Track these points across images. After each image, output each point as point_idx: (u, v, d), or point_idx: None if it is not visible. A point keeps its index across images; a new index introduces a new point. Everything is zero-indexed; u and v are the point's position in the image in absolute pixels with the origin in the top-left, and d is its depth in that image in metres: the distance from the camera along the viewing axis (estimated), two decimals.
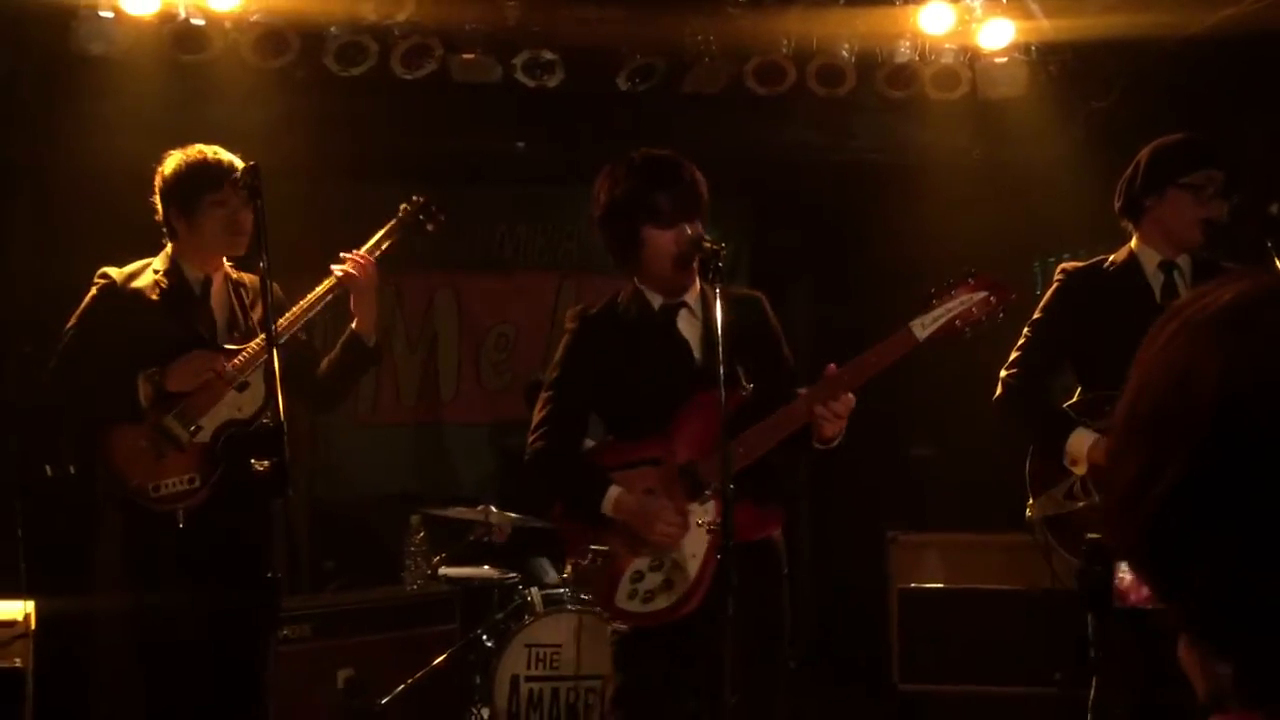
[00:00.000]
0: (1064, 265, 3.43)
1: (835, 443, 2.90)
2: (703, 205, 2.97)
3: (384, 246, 3.51)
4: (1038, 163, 5.43)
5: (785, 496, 3.06)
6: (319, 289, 3.43)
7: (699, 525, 2.89)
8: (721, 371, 2.67)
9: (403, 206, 3.58)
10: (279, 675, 3.58)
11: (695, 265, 2.94)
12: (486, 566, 5.07)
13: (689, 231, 2.91)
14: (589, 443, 3.19)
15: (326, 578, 4.99)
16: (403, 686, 4.42)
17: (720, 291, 2.87)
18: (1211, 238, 3.20)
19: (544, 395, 3.06)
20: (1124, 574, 2.91)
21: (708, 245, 2.86)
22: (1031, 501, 3.32)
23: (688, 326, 3.02)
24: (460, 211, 6.22)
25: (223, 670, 3.28)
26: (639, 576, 2.89)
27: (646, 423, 2.97)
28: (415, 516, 4.97)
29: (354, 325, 3.50)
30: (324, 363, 3.57)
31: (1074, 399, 3.35)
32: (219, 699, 3.27)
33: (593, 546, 2.92)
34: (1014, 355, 3.39)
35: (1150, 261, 3.29)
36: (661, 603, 2.86)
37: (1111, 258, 3.36)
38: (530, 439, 3.02)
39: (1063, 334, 3.35)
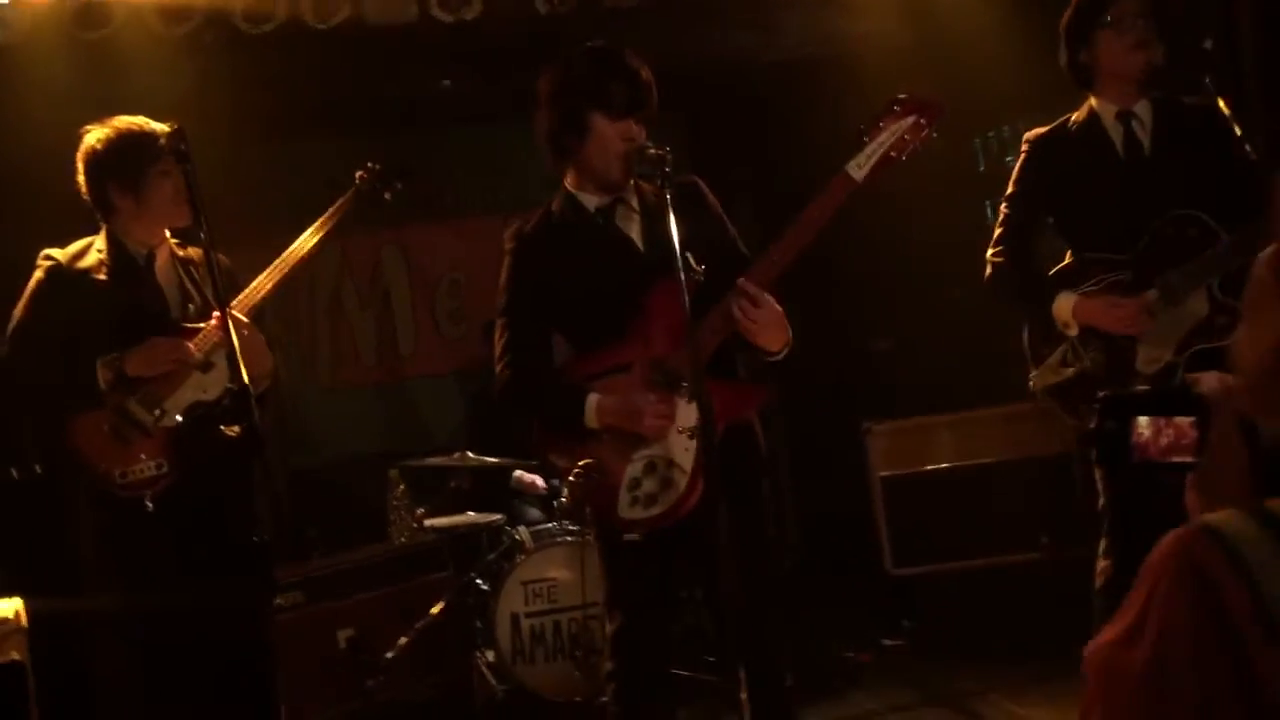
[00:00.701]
0: (1028, 134, 3.46)
1: (781, 353, 2.82)
2: (651, 108, 2.90)
3: (338, 218, 3.46)
4: (968, 38, 5.40)
5: (763, 372, 2.98)
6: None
7: (685, 416, 2.80)
8: (682, 278, 2.59)
9: (359, 175, 3.51)
10: (280, 645, 3.58)
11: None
12: (470, 513, 5.07)
13: (635, 128, 2.85)
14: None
15: (312, 546, 4.96)
16: (405, 639, 4.44)
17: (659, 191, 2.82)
18: (1155, 74, 3.21)
19: (499, 323, 2.98)
20: (1142, 428, 2.93)
21: (653, 151, 2.81)
22: (1033, 373, 3.39)
23: (626, 222, 2.95)
24: (396, 162, 6.14)
25: (224, 647, 3.25)
26: (636, 484, 2.85)
27: (605, 329, 2.91)
28: (394, 471, 4.95)
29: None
30: None
31: (1062, 263, 3.41)
32: (224, 677, 3.25)
33: (581, 464, 2.88)
34: (996, 233, 3.44)
35: (1108, 114, 3.30)
36: (664, 503, 2.81)
37: (1074, 117, 3.38)
38: (497, 369, 2.97)
39: (1037, 202, 3.40)
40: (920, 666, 4.79)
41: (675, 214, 2.67)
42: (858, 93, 5.39)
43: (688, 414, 2.80)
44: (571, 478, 2.91)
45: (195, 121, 3.07)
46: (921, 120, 2.78)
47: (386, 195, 3.52)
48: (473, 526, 4.96)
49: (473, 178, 6.32)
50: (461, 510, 5.12)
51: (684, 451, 2.80)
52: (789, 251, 2.75)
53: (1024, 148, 3.45)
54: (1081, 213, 3.33)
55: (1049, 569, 4.91)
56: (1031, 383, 3.40)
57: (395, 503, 4.88)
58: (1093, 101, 3.33)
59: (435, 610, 4.54)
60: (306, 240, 3.44)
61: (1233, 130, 3.08)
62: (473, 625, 4.69)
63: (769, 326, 2.75)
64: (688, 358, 2.68)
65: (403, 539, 4.86)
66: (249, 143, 4.78)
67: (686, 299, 2.60)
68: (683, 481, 2.79)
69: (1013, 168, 3.48)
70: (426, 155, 6.04)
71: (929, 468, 5.29)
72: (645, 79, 2.90)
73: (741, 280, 2.73)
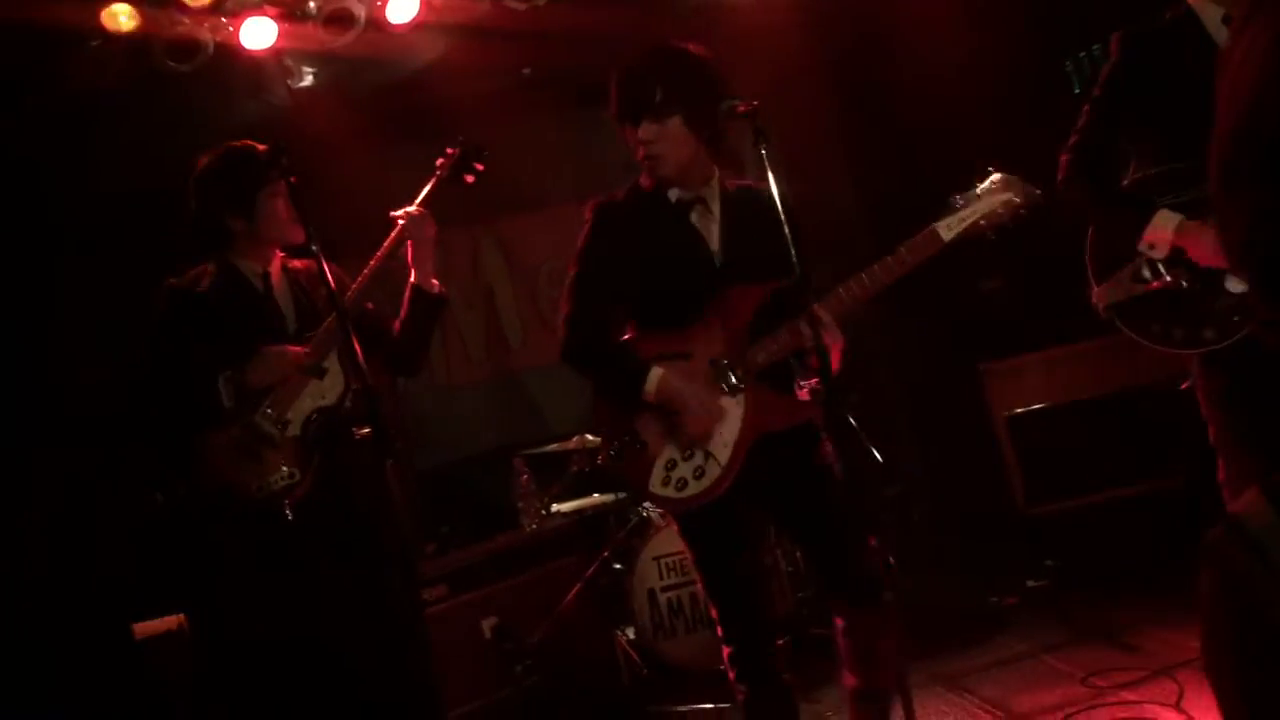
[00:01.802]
0: (1119, 33, 3.24)
1: (832, 374, 2.80)
2: (654, 102, 2.88)
3: (428, 201, 3.49)
4: None
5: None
6: (382, 249, 3.41)
7: (730, 413, 2.93)
8: (794, 252, 2.70)
9: (439, 161, 3.54)
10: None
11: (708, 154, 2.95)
12: (595, 494, 5.11)
13: (643, 131, 2.88)
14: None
15: (446, 542, 5.06)
16: (548, 623, 4.50)
17: (734, 184, 3.02)
18: None
19: (568, 288, 3.03)
20: None
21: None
22: (1096, 288, 3.18)
23: (703, 220, 3.00)
24: (471, 143, 6.14)
25: (382, 648, 3.32)
26: (672, 464, 2.95)
27: (667, 315, 2.98)
28: (516, 460, 5.01)
29: (413, 279, 3.50)
30: (396, 325, 3.56)
31: (1142, 174, 3.21)
32: (383, 677, 3.32)
33: (628, 436, 2.97)
34: (1075, 135, 3.20)
35: (1212, 15, 3.07)
36: (693, 490, 2.93)
37: (1169, 14, 3.13)
38: (562, 330, 3.02)
39: (1129, 105, 3.15)
40: (1067, 604, 4.69)
41: (745, 221, 2.88)
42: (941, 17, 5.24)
43: (734, 416, 2.94)
44: (611, 451, 3.01)
45: (293, 137, 3.14)
46: (1017, 199, 2.87)
47: (469, 178, 3.53)
48: (600, 508, 4.99)
49: (562, 163, 6.34)
50: (587, 493, 5.16)
51: (723, 447, 2.93)
52: (863, 293, 2.87)
53: (1114, 46, 3.18)
54: (1176, 119, 3.02)
55: (1181, 494, 4.77)
56: (1095, 297, 3.18)
57: (523, 491, 4.94)
58: (1193, 2, 3.14)
59: (573, 593, 4.59)
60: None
61: None
62: (611, 605, 4.73)
63: (831, 353, 2.80)
64: (748, 363, 2.90)
65: (533, 526, 4.91)
66: (340, 154, 4.86)
67: (751, 306, 2.86)
68: (715, 474, 2.92)
69: (1107, 68, 3.28)
70: (514, 146, 6.07)
71: (1052, 403, 5.18)
72: (641, 76, 2.90)
73: (817, 306, 2.80)
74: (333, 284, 2.96)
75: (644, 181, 3.02)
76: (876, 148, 6.06)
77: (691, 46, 2.94)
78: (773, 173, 2.75)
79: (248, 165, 3.34)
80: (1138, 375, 4.99)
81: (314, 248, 2.98)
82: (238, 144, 3.40)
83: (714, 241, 2.99)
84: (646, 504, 4.93)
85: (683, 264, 2.97)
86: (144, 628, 3.40)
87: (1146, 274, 3.10)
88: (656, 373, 2.92)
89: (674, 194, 2.99)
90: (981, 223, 2.87)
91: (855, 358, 3.02)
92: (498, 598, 4.61)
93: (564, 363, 3.06)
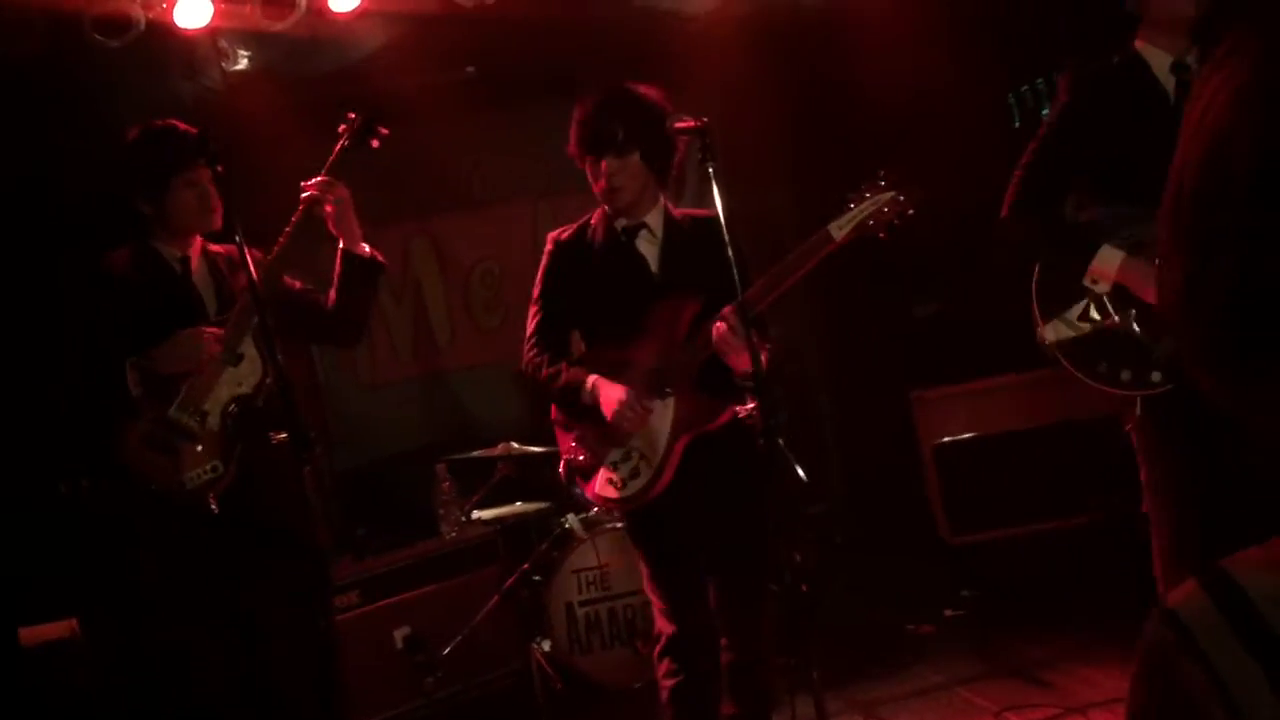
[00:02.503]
0: (1071, 71, 3.19)
1: (749, 375, 3.01)
2: (617, 140, 3.12)
3: (333, 168, 3.39)
4: None
5: (738, 389, 3.29)
6: (292, 222, 3.32)
7: (661, 417, 3.17)
8: (731, 255, 2.90)
9: (341, 128, 3.43)
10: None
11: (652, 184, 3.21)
12: (519, 503, 5.02)
13: (603, 166, 3.13)
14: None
15: (362, 546, 4.93)
16: (461, 635, 4.40)
17: (680, 213, 3.30)
18: (1204, 19, 3.04)
19: (531, 310, 3.34)
20: None
21: (693, 124, 2.96)
22: (1042, 326, 3.15)
23: (647, 246, 3.25)
24: (422, 152, 6.07)
25: (286, 652, 3.21)
26: (614, 466, 3.22)
27: (616, 334, 3.23)
28: (440, 465, 4.90)
29: (341, 245, 3.41)
30: (330, 296, 3.46)
31: (1093, 213, 3.20)
32: (289, 680, 3.21)
33: (576, 444, 3.26)
34: (1021, 170, 3.19)
35: (1160, 62, 3.10)
36: (630, 489, 3.18)
37: (1118, 57, 3.14)
38: (523, 350, 3.33)
39: (1075, 144, 3.14)
40: (984, 636, 4.70)
41: (687, 249, 3.17)
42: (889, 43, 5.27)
43: (664, 418, 3.16)
44: (567, 458, 3.30)
45: (225, 120, 3.04)
46: (901, 197, 3.02)
47: (374, 142, 3.42)
48: (521, 517, 4.91)
49: (501, 164, 6.23)
50: (509, 501, 5.07)
51: (654, 449, 3.18)
52: (768, 293, 3.06)
53: (1065, 84, 3.18)
54: (1125, 160, 3.05)
55: (1107, 530, 4.81)
56: (1042, 336, 3.15)
57: (444, 498, 4.83)
58: (1138, 44, 3.15)
59: (490, 605, 4.49)
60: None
61: None
62: (528, 617, 4.64)
63: (741, 351, 2.96)
64: (680, 368, 3.13)
65: (453, 534, 4.80)
66: (273, 140, 4.71)
67: (683, 318, 3.13)
68: (649, 474, 3.15)
69: (1056, 106, 3.28)
70: (453, 143, 5.96)
71: (979, 434, 5.20)
72: (603, 115, 3.13)
73: (726, 310, 3.02)
74: (253, 271, 2.85)
75: (594, 217, 3.31)
76: (822, 165, 6.05)
77: (645, 89, 3.17)
78: (718, 188, 2.89)
79: (163, 148, 3.22)
80: (1065, 411, 5.04)
81: (236, 236, 2.87)
82: (161, 124, 3.27)
83: (654, 263, 3.24)
84: (569, 515, 4.86)
85: (625, 285, 3.24)
86: (31, 633, 3.23)
87: (1095, 313, 3.09)
88: (590, 380, 3.20)
89: (620, 223, 3.26)
90: (870, 222, 3.01)
91: (786, 376, 3.11)
92: (412, 607, 4.49)
93: (524, 378, 3.34)
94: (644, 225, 3.25)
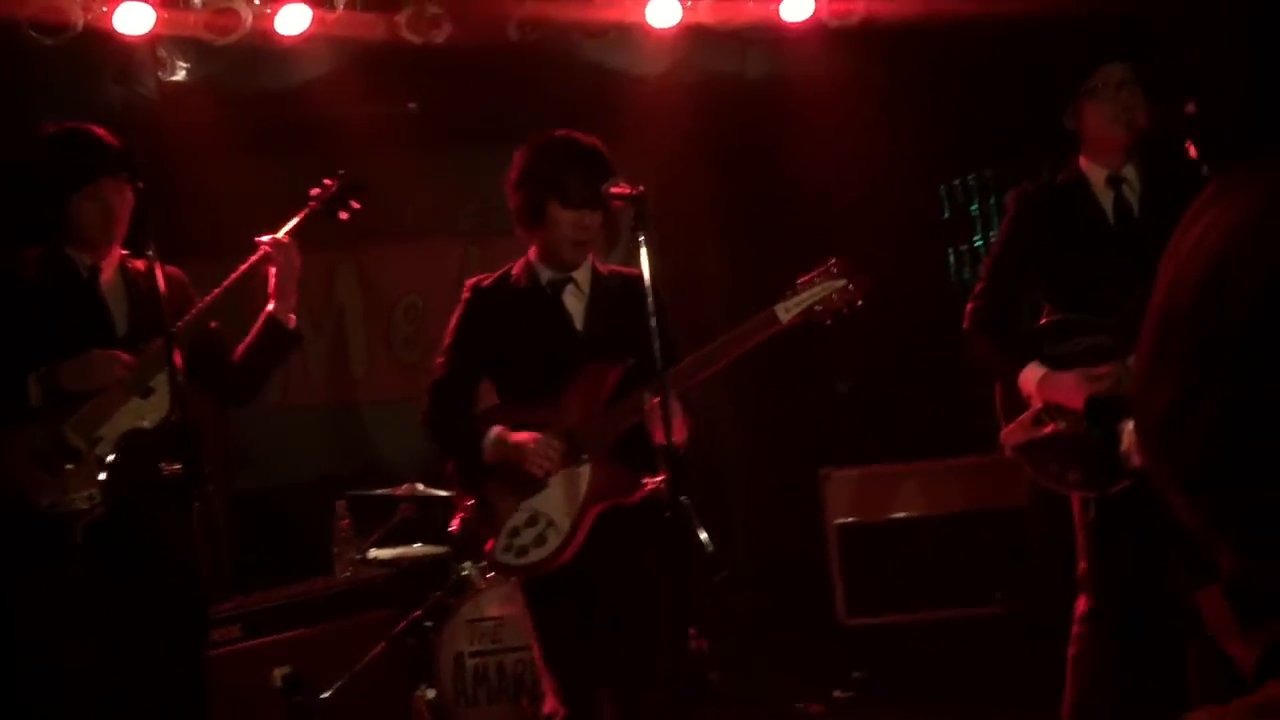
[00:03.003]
0: (1016, 191, 3.46)
1: (675, 449, 2.93)
2: (606, 200, 3.08)
3: (297, 231, 3.37)
4: (940, 84, 5.39)
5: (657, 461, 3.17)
6: (238, 271, 3.26)
7: (574, 483, 3.08)
8: (655, 326, 2.86)
9: (314, 191, 3.40)
10: (212, 682, 3.43)
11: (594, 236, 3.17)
12: (419, 544, 4.93)
13: (589, 218, 3.08)
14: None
15: (252, 575, 4.80)
16: (342, 679, 4.28)
17: (607, 269, 3.26)
18: (1143, 141, 3.20)
19: (438, 361, 3.25)
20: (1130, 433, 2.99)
21: (630, 191, 2.97)
22: (1004, 429, 3.38)
23: (573, 301, 3.19)
24: (353, 179, 5.97)
25: (156, 686, 3.10)
26: (515, 532, 3.08)
27: (534, 390, 3.15)
28: (340, 502, 4.80)
29: (271, 308, 3.32)
30: (239, 350, 3.38)
31: (1041, 322, 3.39)
32: (148, 715, 3.10)
33: (475, 503, 3.13)
34: (978, 286, 3.43)
35: (1098, 177, 3.28)
36: (534, 556, 3.06)
37: (1061, 176, 3.39)
38: (424, 402, 3.24)
39: (1023, 261, 3.38)
40: (869, 718, 4.70)
41: (615, 307, 3.09)
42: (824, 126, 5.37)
43: (578, 484, 3.07)
44: (466, 516, 3.19)
45: (157, 125, 2.98)
46: (851, 286, 3.03)
47: (343, 215, 3.42)
48: (419, 560, 4.82)
49: (435, 200, 6.18)
50: (409, 542, 4.98)
51: (564, 516, 3.06)
52: (703, 368, 3.04)
53: (1011, 203, 3.44)
54: (1068, 274, 3.34)
55: (1001, 623, 4.87)
56: (1002, 439, 3.39)
57: (340, 535, 4.72)
58: (1081, 163, 3.32)
59: (377, 650, 4.39)
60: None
61: None
62: (415, 664, 4.54)
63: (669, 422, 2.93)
64: (599, 434, 3.05)
65: (347, 573, 4.70)
66: (204, 156, 4.63)
67: (607, 381, 3.04)
68: (556, 542, 3.05)
69: (976, 216, 3.50)
70: (389, 175, 5.90)
71: (885, 517, 5.23)
72: (601, 170, 3.07)
73: (665, 373, 2.94)
74: (163, 293, 2.78)
75: (515, 268, 3.24)
76: (755, 234, 6.12)
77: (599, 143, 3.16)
78: (648, 257, 2.91)
79: (72, 155, 3.11)
80: (971, 501, 5.10)
81: (149, 253, 2.80)
82: (77, 128, 3.16)
83: (579, 321, 3.19)
84: (468, 562, 4.79)
85: (549, 341, 3.17)
86: None
87: (1045, 418, 3.27)
88: (494, 430, 3.07)
89: (547, 275, 3.20)
90: (818, 308, 3.04)
91: (701, 441, 3.11)
92: (295, 646, 4.36)
93: (424, 427, 3.25)
94: (571, 280, 3.20)
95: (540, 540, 3.05)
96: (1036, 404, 3.24)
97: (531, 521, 3.07)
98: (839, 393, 6.36)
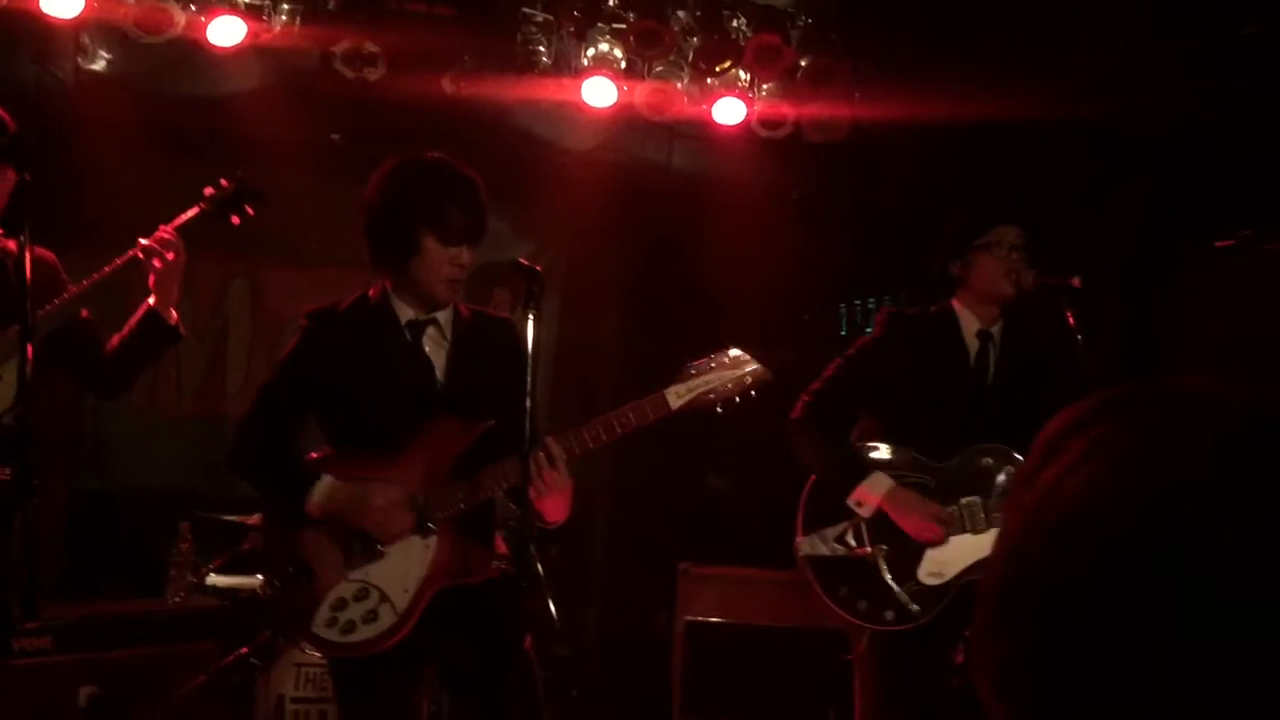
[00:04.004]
0: (891, 310, 3.50)
1: (554, 525, 2.82)
2: (484, 234, 2.89)
3: (184, 227, 3.27)
4: (853, 205, 5.53)
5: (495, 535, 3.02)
6: (115, 262, 3.17)
7: (415, 555, 2.77)
8: (528, 403, 2.61)
9: (208, 191, 3.31)
10: (11, 693, 3.26)
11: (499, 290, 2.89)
12: (260, 576, 4.77)
13: (467, 255, 2.82)
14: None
15: (83, 582, 4.60)
16: (152, 707, 4.10)
17: (470, 310, 2.97)
18: (1020, 301, 3.30)
19: (260, 388, 2.93)
20: None
21: (526, 265, 2.80)
22: (801, 536, 3.31)
23: (434, 347, 2.90)
24: (250, 185, 5.85)
25: None
26: (341, 604, 2.74)
27: (374, 439, 2.82)
28: (184, 523, 4.63)
29: (151, 302, 3.23)
30: (113, 341, 3.27)
31: (873, 443, 3.39)
32: None
33: (292, 565, 2.76)
34: (820, 382, 3.39)
35: (970, 327, 3.35)
36: (362, 635, 2.73)
37: (935, 309, 3.41)
38: (230, 440, 2.88)
39: (875, 375, 3.37)
40: None
41: (478, 352, 2.79)
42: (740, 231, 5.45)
43: (420, 558, 2.74)
44: (275, 581, 2.81)
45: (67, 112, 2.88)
46: (748, 378, 2.85)
47: (235, 218, 3.33)
48: (258, 594, 4.66)
49: (342, 233, 6.09)
50: (253, 573, 4.81)
51: (403, 592, 2.72)
52: (592, 443, 2.79)
53: (881, 321, 3.46)
54: (913, 408, 3.33)
55: None
56: (797, 545, 3.32)
57: (179, 558, 4.55)
58: (956, 306, 3.39)
59: (196, 681, 4.22)
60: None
61: (1080, 370, 3.17)
62: (234, 703, 4.37)
63: (558, 495, 2.74)
64: (447, 503, 2.74)
65: (178, 598, 4.52)
66: (111, 149, 4.51)
67: (463, 443, 2.73)
68: (389, 621, 2.72)
69: (870, 337, 3.51)
70: (301, 200, 5.82)
71: (735, 620, 5.23)
72: (484, 206, 2.86)
73: (550, 440, 2.74)
74: (29, 279, 2.68)
75: (372, 294, 2.92)
76: (655, 313, 6.17)
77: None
78: (533, 333, 2.72)
79: None
80: (817, 618, 5.11)
81: (22, 237, 2.71)
82: None
83: (440, 370, 2.89)
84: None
85: (403, 388, 2.84)
86: None
87: (851, 539, 3.23)
88: (326, 481, 2.73)
89: (407, 313, 2.88)
90: (710, 395, 2.87)
91: (572, 518, 2.97)
92: (107, 666, 4.16)
93: (229, 463, 2.88)
94: (434, 321, 2.91)
95: (371, 617, 2.72)
96: (868, 512, 3.20)
97: (362, 594, 2.74)
98: (712, 487, 6.39)
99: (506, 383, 2.76)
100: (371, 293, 2.94)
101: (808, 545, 3.28)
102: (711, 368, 2.87)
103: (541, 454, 2.70)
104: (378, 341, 2.86)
